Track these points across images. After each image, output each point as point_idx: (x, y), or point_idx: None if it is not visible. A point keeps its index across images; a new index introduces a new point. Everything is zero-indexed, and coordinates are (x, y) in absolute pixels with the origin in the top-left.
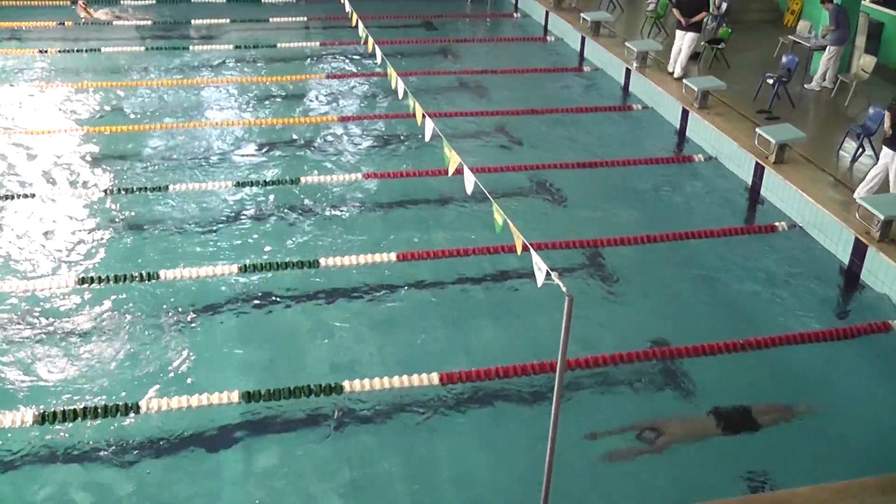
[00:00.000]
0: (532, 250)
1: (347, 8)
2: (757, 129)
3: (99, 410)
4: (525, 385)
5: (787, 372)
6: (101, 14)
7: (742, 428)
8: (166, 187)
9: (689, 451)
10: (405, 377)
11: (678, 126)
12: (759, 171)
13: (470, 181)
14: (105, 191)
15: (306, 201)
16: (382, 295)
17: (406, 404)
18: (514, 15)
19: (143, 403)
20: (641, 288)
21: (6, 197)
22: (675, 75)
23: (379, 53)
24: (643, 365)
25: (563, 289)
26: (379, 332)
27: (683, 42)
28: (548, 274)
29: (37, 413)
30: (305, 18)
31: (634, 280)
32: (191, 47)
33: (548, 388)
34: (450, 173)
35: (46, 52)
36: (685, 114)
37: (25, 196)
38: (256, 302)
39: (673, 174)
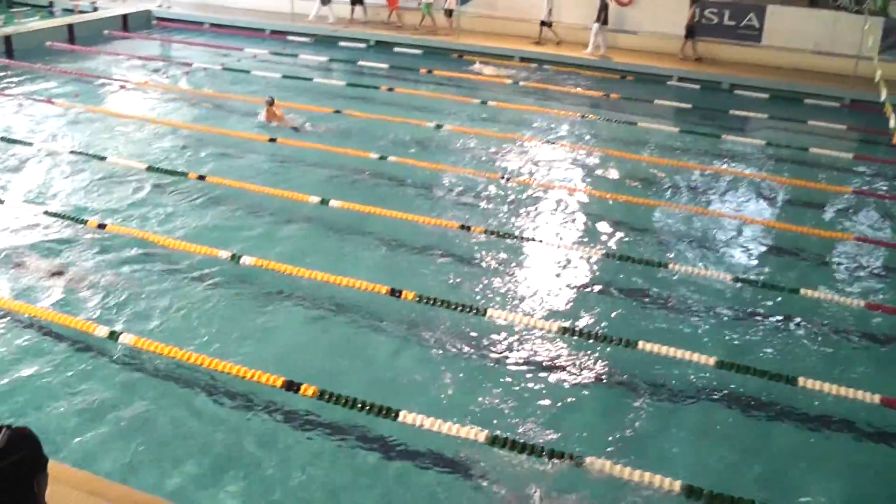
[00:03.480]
0: None
1: (892, 123)
2: None
3: (545, 452)
4: None
5: None
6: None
7: None
8: (666, 265)
9: None
10: None
11: None
12: None
13: None
14: (607, 254)
15: (799, 314)
16: (861, 438)
17: None
18: None
19: (587, 460)
20: None
21: (521, 238)
22: None
23: None
24: None
25: None
26: (839, 465)
27: None
28: None
29: (489, 435)
30: (845, 127)
31: None
32: (722, 136)
33: None
34: None
35: (586, 117)
36: None
37: (534, 240)
38: (724, 401)
39: None
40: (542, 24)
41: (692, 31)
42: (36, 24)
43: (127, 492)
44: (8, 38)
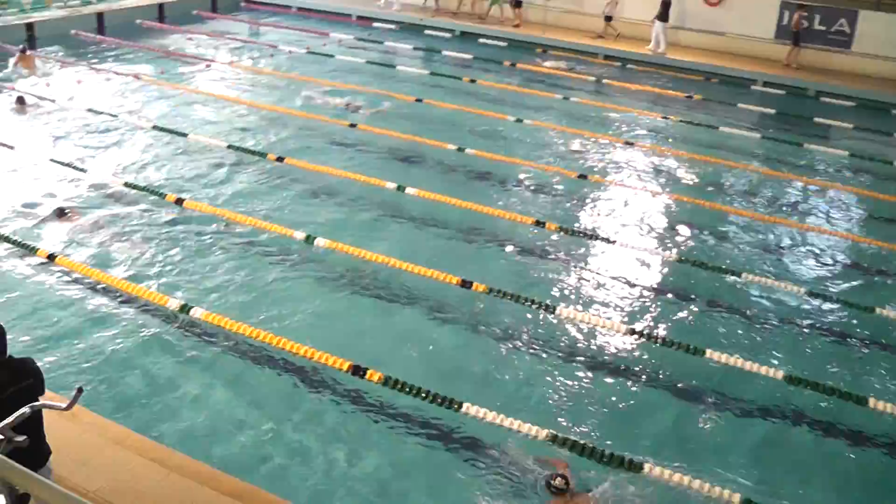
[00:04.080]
0: None
1: None
2: None
3: (605, 456)
4: None
5: None
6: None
7: None
8: (739, 273)
9: None
10: None
11: None
12: None
13: None
14: (680, 258)
15: (873, 333)
16: None
17: None
18: None
19: (646, 467)
20: None
21: (594, 237)
22: None
23: None
24: None
25: None
26: None
27: None
28: None
29: (549, 433)
30: None
31: None
32: (804, 144)
33: None
34: None
35: (668, 118)
36: None
37: (607, 240)
38: (790, 416)
39: None
40: (607, 18)
41: (797, 38)
42: (128, 2)
43: (187, 461)
44: (100, 15)
